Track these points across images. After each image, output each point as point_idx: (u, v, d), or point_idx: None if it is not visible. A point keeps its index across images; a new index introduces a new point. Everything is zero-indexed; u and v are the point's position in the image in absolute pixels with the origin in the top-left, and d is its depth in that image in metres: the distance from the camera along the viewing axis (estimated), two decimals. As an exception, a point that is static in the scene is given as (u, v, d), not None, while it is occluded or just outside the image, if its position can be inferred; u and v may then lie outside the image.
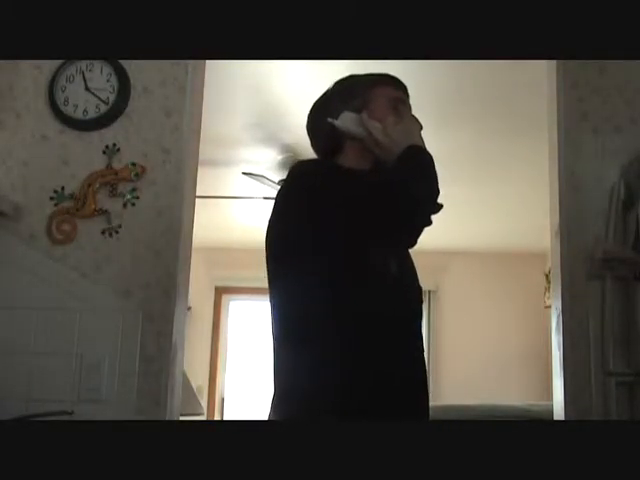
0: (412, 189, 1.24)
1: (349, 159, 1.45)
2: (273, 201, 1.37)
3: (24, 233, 2.12)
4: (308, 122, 1.54)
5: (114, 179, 2.12)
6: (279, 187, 1.39)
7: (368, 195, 1.25)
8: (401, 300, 1.34)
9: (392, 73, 1.44)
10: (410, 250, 1.42)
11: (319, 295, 1.25)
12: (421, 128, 1.43)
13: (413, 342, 1.36)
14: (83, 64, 2.19)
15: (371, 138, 1.38)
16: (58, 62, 2.20)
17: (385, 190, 1.25)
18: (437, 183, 1.30)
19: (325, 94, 1.51)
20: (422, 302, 1.45)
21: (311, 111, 1.53)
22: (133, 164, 2.13)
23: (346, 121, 1.42)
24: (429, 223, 1.30)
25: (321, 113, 1.48)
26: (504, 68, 3.13)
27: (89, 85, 2.19)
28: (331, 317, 1.24)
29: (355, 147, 1.43)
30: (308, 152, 1.53)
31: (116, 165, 2.14)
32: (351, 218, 1.24)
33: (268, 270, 1.36)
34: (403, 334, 1.32)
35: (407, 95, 1.49)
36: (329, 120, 1.43)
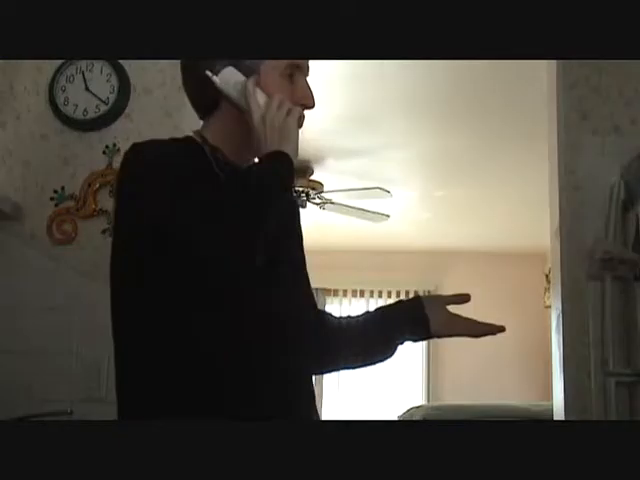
0: (244, 211, 1.07)
1: (219, 126, 1.22)
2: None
3: (24, 233, 2.12)
4: (182, 63, 1.26)
5: (114, 179, 2.12)
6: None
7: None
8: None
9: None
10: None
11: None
12: (308, 106, 1.22)
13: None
14: (83, 64, 2.19)
15: (248, 115, 1.16)
16: (58, 62, 2.20)
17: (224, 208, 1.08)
18: (270, 211, 1.09)
19: None
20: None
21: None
22: (133, 164, 2.13)
23: (228, 81, 1.17)
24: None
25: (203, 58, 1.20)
26: (504, 68, 3.13)
27: (89, 85, 2.19)
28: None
29: (232, 112, 1.20)
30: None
31: (116, 165, 2.14)
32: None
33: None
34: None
35: None
36: (207, 73, 1.17)
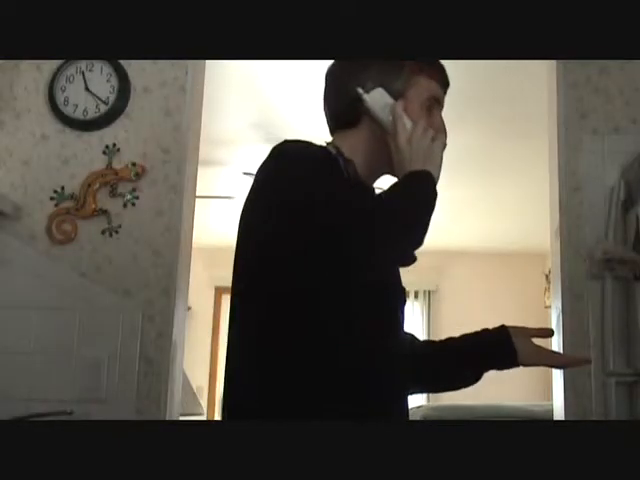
0: (394, 227, 1.11)
1: (355, 141, 1.26)
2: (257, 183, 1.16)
3: (24, 233, 2.12)
4: (333, 74, 1.29)
5: (114, 179, 2.12)
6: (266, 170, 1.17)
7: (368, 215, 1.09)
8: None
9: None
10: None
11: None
12: (445, 137, 1.28)
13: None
14: (83, 64, 2.19)
15: (393, 136, 1.21)
16: (58, 62, 2.20)
17: (375, 217, 1.09)
18: (422, 229, 1.14)
19: None
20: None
21: (342, 64, 1.29)
22: (133, 164, 2.13)
23: (377, 101, 1.21)
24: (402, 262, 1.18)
25: (353, 75, 1.24)
26: (505, 69, 3.13)
27: (89, 85, 2.19)
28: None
29: (372, 129, 1.24)
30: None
31: (116, 165, 2.14)
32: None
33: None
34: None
35: (446, 92, 1.31)
36: (359, 90, 1.22)
